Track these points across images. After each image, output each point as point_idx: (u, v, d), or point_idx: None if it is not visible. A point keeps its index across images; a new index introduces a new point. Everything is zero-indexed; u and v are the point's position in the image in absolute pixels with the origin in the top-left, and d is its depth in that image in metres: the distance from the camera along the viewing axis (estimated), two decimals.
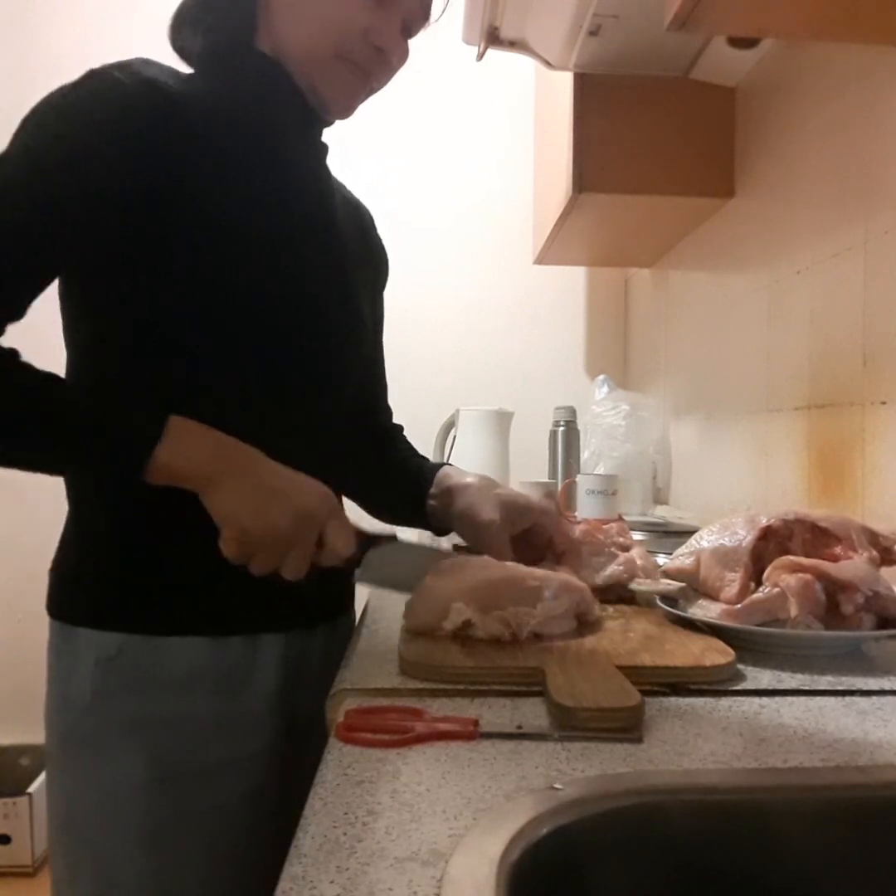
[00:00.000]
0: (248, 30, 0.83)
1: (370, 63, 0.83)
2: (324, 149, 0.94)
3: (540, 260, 2.17)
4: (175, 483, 0.70)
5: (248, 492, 0.70)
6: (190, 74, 0.83)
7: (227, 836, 0.79)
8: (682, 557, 0.85)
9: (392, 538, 0.78)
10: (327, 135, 0.93)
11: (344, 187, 1.01)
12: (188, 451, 0.70)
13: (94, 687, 0.77)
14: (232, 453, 0.72)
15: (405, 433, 1.10)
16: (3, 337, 0.71)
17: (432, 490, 0.96)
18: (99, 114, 0.72)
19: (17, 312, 0.71)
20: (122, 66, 0.74)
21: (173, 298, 0.76)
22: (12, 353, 0.71)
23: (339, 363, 0.90)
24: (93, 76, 0.73)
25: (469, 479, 0.94)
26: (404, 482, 1.00)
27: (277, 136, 0.85)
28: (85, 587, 0.81)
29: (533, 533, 0.92)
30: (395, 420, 1.11)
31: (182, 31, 0.85)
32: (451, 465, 1.01)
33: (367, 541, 0.77)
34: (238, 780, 0.80)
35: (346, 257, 0.92)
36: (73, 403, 0.70)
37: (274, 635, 0.83)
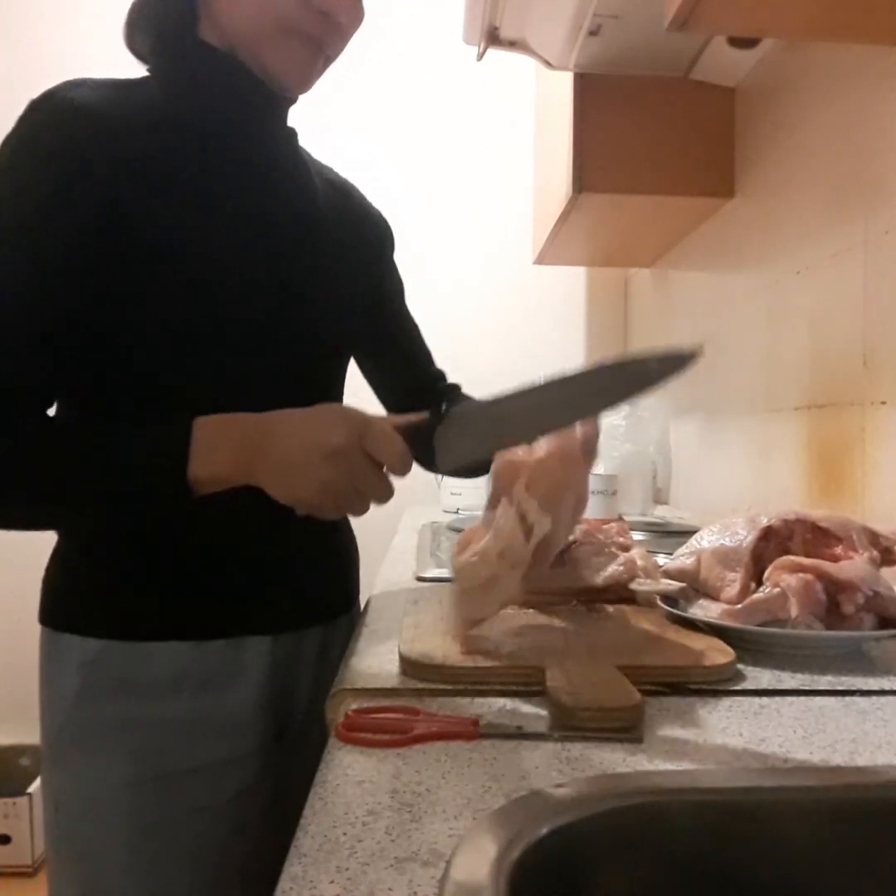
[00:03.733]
0: (190, 21, 0.80)
1: (319, 30, 0.78)
2: (292, 134, 0.89)
3: (540, 260, 2.17)
4: (223, 488, 0.68)
5: (283, 468, 0.66)
6: (143, 78, 0.81)
7: (215, 837, 0.79)
8: (682, 557, 0.85)
9: (439, 415, 0.68)
10: (300, 120, 0.89)
11: (328, 169, 0.97)
12: (217, 458, 0.67)
13: (76, 689, 0.77)
14: (250, 438, 0.68)
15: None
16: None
17: None
18: (32, 164, 0.71)
19: (33, 376, 0.71)
20: (48, 97, 0.72)
21: (146, 323, 0.75)
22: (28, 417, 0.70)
23: (327, 365, 0.90)
24: (24, 120, 0.71)
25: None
26: None
27: (237, 128, 0.82)
28: (68, 595, 0.81)
29: None
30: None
31: (133, 35, 0.83)
32: None
33: (421, 430, 0.68)
34: (224, 782, 0.80)
35: (331, 247, 0.89)
36: (95, 458, 0.68)
37: (260, 638, 0.82)
